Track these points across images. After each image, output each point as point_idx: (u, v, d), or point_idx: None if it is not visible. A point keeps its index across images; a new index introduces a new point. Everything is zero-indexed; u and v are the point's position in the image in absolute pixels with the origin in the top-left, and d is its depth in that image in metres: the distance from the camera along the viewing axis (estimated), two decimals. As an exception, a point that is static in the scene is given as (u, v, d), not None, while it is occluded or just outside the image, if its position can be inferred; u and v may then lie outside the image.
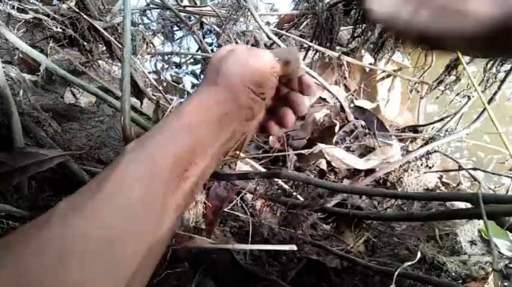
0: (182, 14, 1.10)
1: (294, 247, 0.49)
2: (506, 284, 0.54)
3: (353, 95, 1.12)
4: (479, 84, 0.87)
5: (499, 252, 0.67)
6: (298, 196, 0.52)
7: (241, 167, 0.87)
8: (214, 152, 0.34)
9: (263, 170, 0.82)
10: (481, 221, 0.77)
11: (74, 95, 0.91)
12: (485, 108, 0.84)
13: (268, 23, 1.40)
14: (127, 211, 0.27)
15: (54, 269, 0.23)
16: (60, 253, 0.23)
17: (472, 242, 0.68)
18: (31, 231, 0.25)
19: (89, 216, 0.25)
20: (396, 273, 0.38)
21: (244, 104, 0.35)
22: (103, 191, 0.27)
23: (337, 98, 0.93)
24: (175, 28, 1.25)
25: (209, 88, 0.35)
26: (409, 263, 0.41)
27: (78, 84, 0.59)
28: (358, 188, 0.36)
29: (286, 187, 0.55)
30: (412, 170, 0.87)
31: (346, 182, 0.80)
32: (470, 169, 0.84)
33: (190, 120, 0.33)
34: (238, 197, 0.45)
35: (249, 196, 0.62)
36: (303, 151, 0.78)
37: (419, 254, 0.43)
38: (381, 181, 0.87)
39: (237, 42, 1.03)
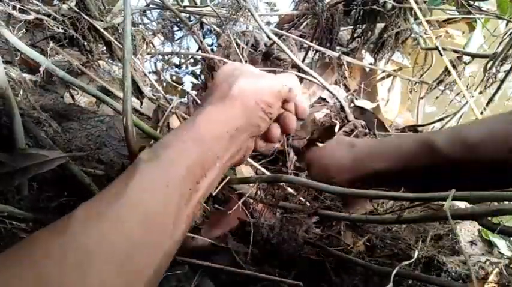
0: (182, 14, 1.10)
1: (301, 284, 0.50)
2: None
3: (353, 95, 1.12)
4: (478, 85, 0.87)
5: (499, 252, 0.67)
6: (301, 198, 0.52)
7: (242, 167, 0.87)
8: (222, 164, 0.35)
9: (264, 170, 0.82)
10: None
11: (72, 96, 0.91)
12: (484, 109, 0.85)
13: (268, 23, 1.40)
14: (145, 222, 0.28)
15: (75, 277, 0.23)
16: (81, 260, 0.24)
17: (472, 242, 0.68)
18: (51, 236, 0.26)
19: (109, 224, 0.26)
20: (394, 272, 0.38)
21: (254, 121, 0.37)
22: (122, 200, 0.28)
23: (337, 98, 0.93)
24: (176, 28, 1.25)
25: (222, 102, 0.36)
26: (407, 262, 0.41)
27: (77, 85, 0.58)
28: (356, 191, 0.36)
29: (289, 189, 0.55)
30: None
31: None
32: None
33: (203, 134, 0.34)
34: (240, 202, 0.45)
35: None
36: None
37: (416, 253, 0.43)
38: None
39: (237, 43, 1.03)
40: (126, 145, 0.39)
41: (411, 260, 0.40)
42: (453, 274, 0.64)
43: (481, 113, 0.82)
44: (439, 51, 0.82)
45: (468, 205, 0.60)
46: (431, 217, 0.35)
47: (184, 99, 1.17)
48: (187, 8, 1.12)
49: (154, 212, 0.28)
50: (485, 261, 0.62)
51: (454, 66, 0.88)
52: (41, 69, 0.57)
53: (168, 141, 0.33)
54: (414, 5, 0.81)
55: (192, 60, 1.38)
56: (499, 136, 0.37)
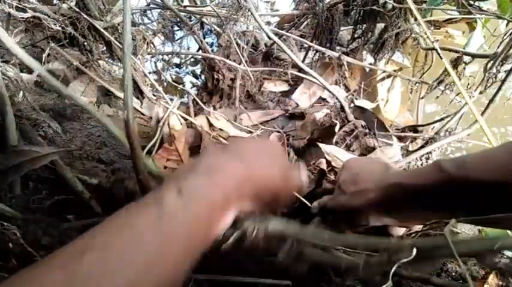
0: (182, 14, 1.10)
1: (289, 282, 0.50)
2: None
3: (353, 95, 1.12)
4: (478, 85, 0.87)
5: (499, 252, 0.67)
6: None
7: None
8: None
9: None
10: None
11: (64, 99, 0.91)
12: (485, 109, 0.84)
13: (268, 23, 1.40)
14: (156, 270, 0.28)
15: None
16: None
17: (472, 242, 0.68)
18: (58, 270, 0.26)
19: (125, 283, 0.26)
20: (392, 271, 0.38)
21: (261, 206, 0.41)
22: (145, 249, 0.28)
23: (337, 98, 0.93)
24: (176, 28, 1.25)
25: (251, 172, 0.39)
26: (405, 259, 0.41)
27: (67, 95, 0.56)
28: (351, 241, 0.36)
29: None
30: (412, 170, 0.87)
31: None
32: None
33: (229, 193, 0.36)
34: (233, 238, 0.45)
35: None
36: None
37: (414, 251, 0.43)
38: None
39: (237, 43, 1.03)
40: (128, 140, 0.38)
41: (410, 258, 0.40)
42: (453, 274, 0.64)
43: (482, 113, 0.82)
44: (438, 54, 0.82)
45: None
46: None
47: (185, 99, 1.17)
48: (188, 8, 1.13)
49: (172, 263, 0.29)
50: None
51: (455, 66, 0.88)
52: (34, 74, 0.56)
53: (197, 188, 0.34)
54: (412, 6, 0.81)
55: (192, 60, 1.38)
56: (490, 159, 0.43)
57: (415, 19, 0.97)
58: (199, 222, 0.32)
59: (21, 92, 0.58)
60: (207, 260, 0.35)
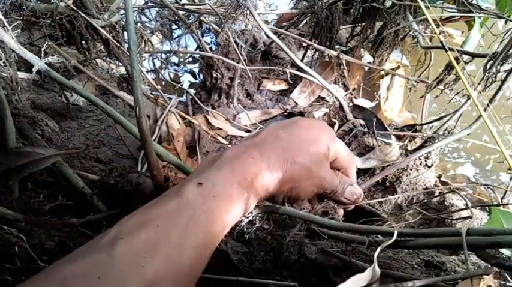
0: (181, 13, 1.09)
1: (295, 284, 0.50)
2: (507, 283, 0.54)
3: (352, 94, 1.11)
4: (478, 84, 0.86)
5: (499, 251, 0.66)
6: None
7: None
8: None
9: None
10: (480, 220, 0.77)
11: (67, 99, 0.90)
12: (489, 102, 0.84)
13: (267, 22, 1.40)
14: (177, 261, 0.29)
15: None
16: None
17: (471, 242, 0.68)
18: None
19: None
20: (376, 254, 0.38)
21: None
22: (167, 242, 0.29)
23: (336, 97, 0.93)
24: (174, 27, 1.24)
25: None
26: (387, 243, 0.40)
27: (70, 86, 0.57)
28: (356, 227, 0.37)
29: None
30: (411, 169, 0.87)
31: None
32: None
33: (243, 193, 0.37)
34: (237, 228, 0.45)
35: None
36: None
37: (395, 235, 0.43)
38: (379, 180, 0.86)
39: (236, 42, 1.02)
40: (140, 136, 0.38)
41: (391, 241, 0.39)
42: (452, 273, 0.64)
43: (484, 109, 0.82)
44: (444, 47, 0.81)
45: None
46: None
47: (183, 98, 1.17)
48: (186, 6, 1.12)
49: (192, 254, 0.30)
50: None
51: (457, 63, 0.88)
52: (34, 69, 0.56)
53: (216, 182, 0.35)
54: (422, 3, 0.80)
55: (190, 59, 1.37)
56: None
57: (414, 17, 0.97)
58: (218, 214, 0.33)
59: (18, 92, 0.57)
60: (213, 260, 0.36)
